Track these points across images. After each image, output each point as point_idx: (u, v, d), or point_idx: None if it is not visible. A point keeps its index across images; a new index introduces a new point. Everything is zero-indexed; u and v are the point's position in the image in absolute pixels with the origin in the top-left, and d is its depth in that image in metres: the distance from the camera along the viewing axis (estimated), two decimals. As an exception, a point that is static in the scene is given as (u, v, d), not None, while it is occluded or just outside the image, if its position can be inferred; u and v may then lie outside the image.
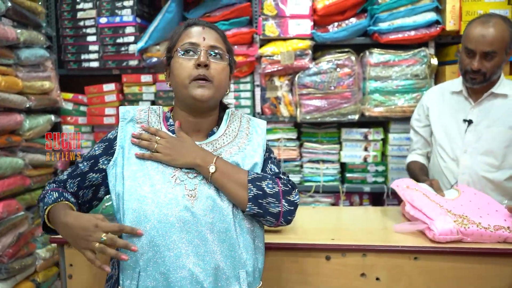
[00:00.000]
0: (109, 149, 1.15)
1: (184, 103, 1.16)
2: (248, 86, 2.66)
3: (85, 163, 1.16)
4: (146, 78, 2.69)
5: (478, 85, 1.79)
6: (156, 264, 1.02)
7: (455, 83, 1.95)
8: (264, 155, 1.19)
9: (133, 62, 2.66)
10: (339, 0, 2.46)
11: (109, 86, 2.72)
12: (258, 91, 2.65)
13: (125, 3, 2.62)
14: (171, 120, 1.20)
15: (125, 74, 2.71)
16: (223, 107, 1.26)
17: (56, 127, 2.67)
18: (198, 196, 1.06)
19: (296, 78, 2.56)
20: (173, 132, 1.16)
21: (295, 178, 2.71)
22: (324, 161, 2.71)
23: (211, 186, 1.09)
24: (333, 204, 2.72)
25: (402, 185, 1.63)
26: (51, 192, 1.12)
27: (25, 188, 2.31)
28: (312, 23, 2.54)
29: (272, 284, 1.39)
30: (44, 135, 2.49)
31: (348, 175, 2.70)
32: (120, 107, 1.19)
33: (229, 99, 2.67)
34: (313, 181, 2.70)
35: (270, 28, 2.55)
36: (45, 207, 1.10)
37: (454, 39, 2.52)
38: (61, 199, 1.11)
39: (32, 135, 2.35)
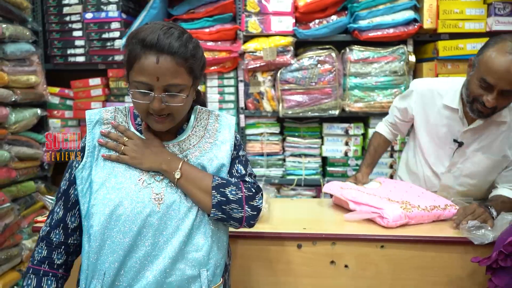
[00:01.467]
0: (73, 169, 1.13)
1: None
2: (232, 82, 2.70)
3: (59, 207, 1.12)
4: (131, 73, 2.71)
5: (484, 118, 1.61)
6: (121, 267, 1.03)
7: (449, 95, 1.71)
8: (232, 154, 1.19)
9: (119, 57, 2.68)
10: (320, -2, 2.50)
11: (95, 81, 2.74)
12: (241, 86, 2.69)
13: (111, -1, 2.64)
14: (139, 119, 1.17)
15: (111, 69, 2.73)
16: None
17: (42, 121, 2.69)
18: (164, 200, 1.07)
19: (278, 74, 2.60)
20: (141, 132, 1.15)
21: (277, 172, 2.76)
22: (306, 155, 2.76)
23: (178, 189, 1.10)
24: (314, 197, 2.77)
25: (335, 187, 1.70)
26: (31, 277, 1.09)
27: (11, 180, 2.34)
28: (294, 20, 2.58)
29: (244, 272, 1.43)
30: (30, 128, 2.52)
31: (329, 168, 2.75)
32: (86, 111, 1.16)
33: (214, 94, 2.71)
34: (295, 175, 2.75)
35: (253, 24, 2.59)
36: None
37: (432, 37, 2.58)
38: None
39: (18, 129, 2.37)
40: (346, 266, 1.42)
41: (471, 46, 2.46)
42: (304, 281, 1.44)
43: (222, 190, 1.10)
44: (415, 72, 2.61)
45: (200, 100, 1.28)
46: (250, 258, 1.44)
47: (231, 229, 1.19)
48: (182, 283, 1.05)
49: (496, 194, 1.67)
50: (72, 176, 1.10)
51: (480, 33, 2.50)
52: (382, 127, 2.02)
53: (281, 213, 1.67)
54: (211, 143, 1.16)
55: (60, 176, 2.80)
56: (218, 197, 1.09)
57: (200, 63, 1.10)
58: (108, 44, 2.66)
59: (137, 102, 1.06)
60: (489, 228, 1.37)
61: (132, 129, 1.15)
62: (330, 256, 1.43)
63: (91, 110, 1.15)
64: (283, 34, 2.58)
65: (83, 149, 1.11)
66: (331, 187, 1.72)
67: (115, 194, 1.05)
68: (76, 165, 1.10)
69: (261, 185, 1.92)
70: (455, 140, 1.70)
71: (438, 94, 1.74)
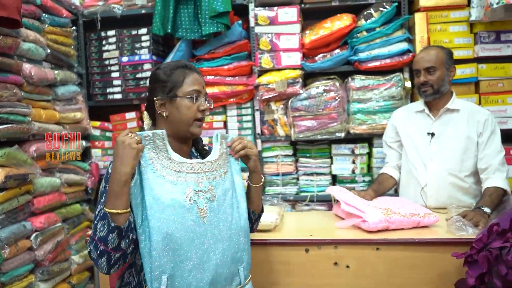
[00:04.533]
0: None
1: (178, 134, 1.35)
2: (249, 111, 2.94)
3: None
4: (161, 106, 2.99)
5: (431, 97, 2.11)
6: (175, 273, 1.18)
7: (417, 104, 2.25)
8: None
9: (151, 94, 2.96)
10: (323, 36, 2.74)
11: (131, 114, 3.03)
12: (257, 115, 2.92)
13: (143, 44, 2.95)
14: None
15: (144, 104, 3.01)
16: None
17: (86, 151, 2.98)
18: (207, 214, 1.22)
19: (289, 103, 2.83)
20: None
21: (292, 189, 2.95)
22: (317, 174, 2.95)
23: (217, 201, 1.25)
24: (326, 211, 2.94)
25: (336, 189, 1.94)
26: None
27: (61, 203, 2.58)
28: (301, 55, 2.82)
29: (262, 273, 1.63)
30: (76, 158, 2.81)
31: (338, 185, 2.92)
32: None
33: (233, 123, 2.95)
34: (308, 192, 2.94)
35: (266, 60, 2.84)
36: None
37: (425, 64, 2.77)
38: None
39: (67, 158, 2.66)
40: (347, 266, 1.60)
41: (460, 71, 2.64)
42: (312, 281, 1.62)
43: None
44: (412, 96, 2.80)
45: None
46: (266, 262, 1.64)
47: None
48: (228, 280, 1.25)
49: (483, 191, 1.94)
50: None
51: (468, 59, 2.68)
52: (384, 169, 2.32)
53: (292, 224, 1.87)
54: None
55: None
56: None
57: None
58: (142, 82, 2.96)
59: (189, 109, 1.33)
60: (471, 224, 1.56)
61: (170, 149, 1.30)
62: (333, 258, 1.60)
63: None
64: (293, 68, 2.82)
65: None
66: (333, 188, 1.98)
67: (169, 211, 1.19)
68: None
69: (276, 201, 2.15)
70: (428, 133, 2.11)
71: (409, 108, 2.28)
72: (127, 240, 1.20)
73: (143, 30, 2.94)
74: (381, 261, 1.59)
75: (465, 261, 1.39)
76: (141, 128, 3.06)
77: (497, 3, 2.43)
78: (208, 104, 1.38)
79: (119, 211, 1.17)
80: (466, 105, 2.13)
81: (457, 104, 2.13)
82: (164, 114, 1.35)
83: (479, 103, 2.65)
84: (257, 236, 1.64)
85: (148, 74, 2.94)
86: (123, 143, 1.18)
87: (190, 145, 1.45)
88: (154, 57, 2.95)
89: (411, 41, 2.76)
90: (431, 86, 2.08)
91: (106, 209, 1.17)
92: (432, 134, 2.11)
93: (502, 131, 2.52)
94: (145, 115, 1.48)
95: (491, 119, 2.07)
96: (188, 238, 1.19)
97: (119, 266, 1.23)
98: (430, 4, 2.68)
